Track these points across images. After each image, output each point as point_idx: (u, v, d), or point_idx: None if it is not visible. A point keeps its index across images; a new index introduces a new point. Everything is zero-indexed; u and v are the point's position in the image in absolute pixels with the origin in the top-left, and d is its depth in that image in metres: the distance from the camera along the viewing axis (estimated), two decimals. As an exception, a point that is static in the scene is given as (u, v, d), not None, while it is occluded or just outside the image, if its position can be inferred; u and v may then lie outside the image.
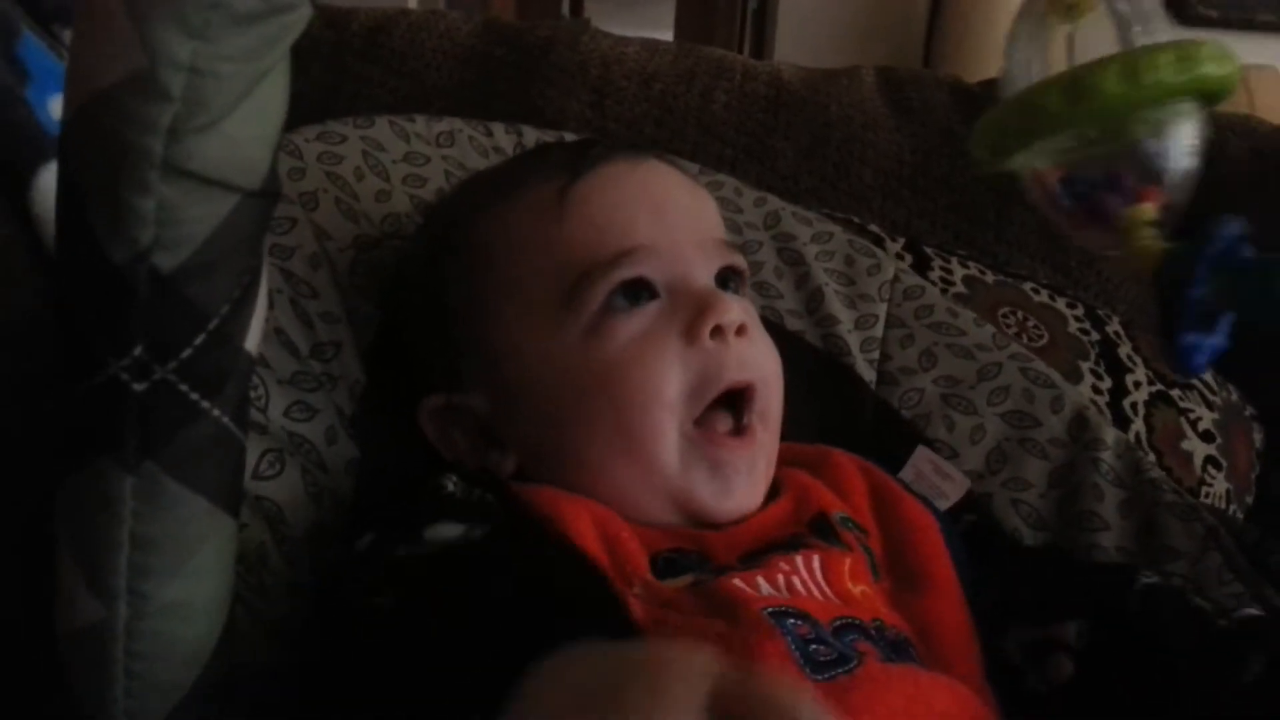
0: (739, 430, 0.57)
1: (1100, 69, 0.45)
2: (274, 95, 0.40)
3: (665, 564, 0.53)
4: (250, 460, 0.54)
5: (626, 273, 0.56)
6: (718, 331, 0.56)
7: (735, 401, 0.57)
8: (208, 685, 0.42)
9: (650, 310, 0.56)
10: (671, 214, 0.59)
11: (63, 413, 0.39)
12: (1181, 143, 0.48)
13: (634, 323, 0.56)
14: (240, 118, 0.37)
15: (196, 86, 0.36)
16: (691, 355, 0.56)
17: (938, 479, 0.67)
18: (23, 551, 0.46)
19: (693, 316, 0.56)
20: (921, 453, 0.69)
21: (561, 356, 0.56)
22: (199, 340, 0.39)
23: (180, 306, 0.38)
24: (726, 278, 0.60)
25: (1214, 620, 0.52)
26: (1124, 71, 0.45)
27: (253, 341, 0.42)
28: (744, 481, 0.57)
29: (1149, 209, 0.47)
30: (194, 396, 0.39)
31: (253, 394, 0.55)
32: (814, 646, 0.48)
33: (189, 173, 0.37)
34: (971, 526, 0.63)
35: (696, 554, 0.54)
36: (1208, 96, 0.48)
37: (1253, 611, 0.53)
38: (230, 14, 0.36)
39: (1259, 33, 2.35)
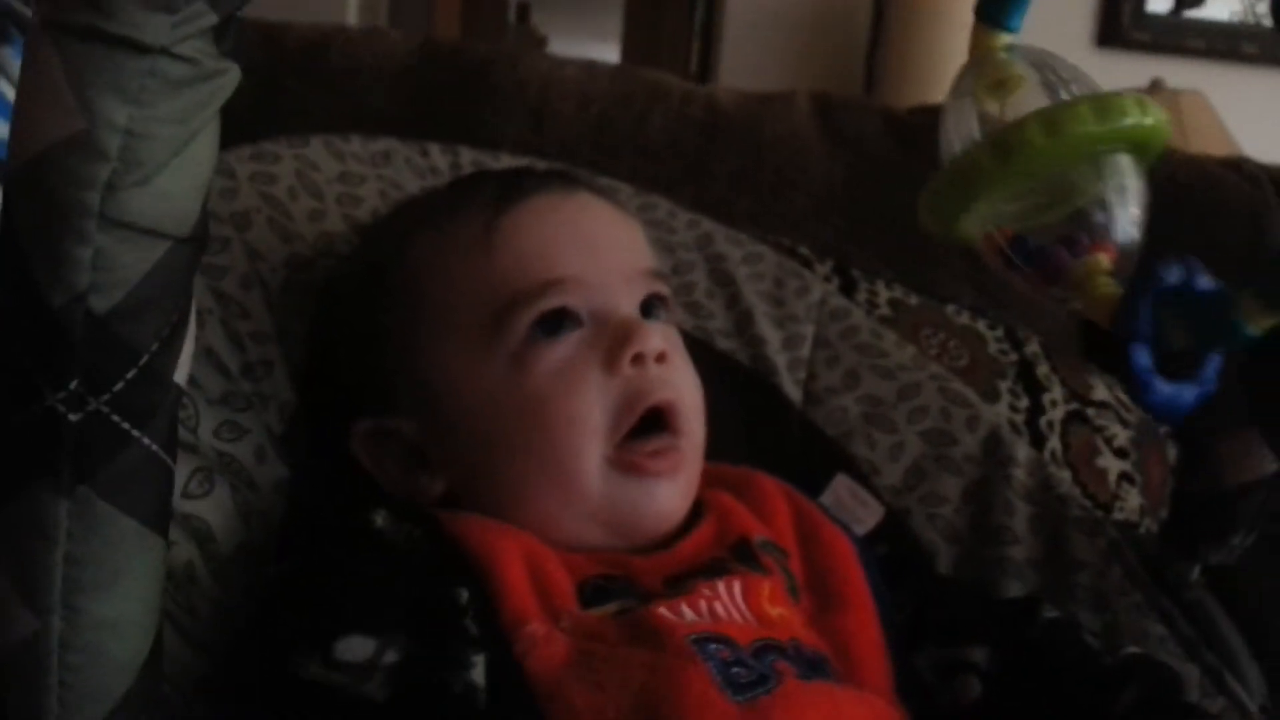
0: (663, 450, 0.59)
1: (1024, 125, 0.46)
2: (204, 151, 0.43)
3: (593, 591, 0.55)
4: (180, 479, 0.54)
5: (550, 303, 0.58)
6: (638, 359, 0.58)
7: (658, 424, 0.59)
8: (138, 696, 0.43)
9: (573, 339, 0.58)
10: (599, 246, 0.61)
11: None
12: (1121, 195, 0.48)
13: (556, 352, 0.57)
14: (172, 173, 0.41)
15: (132, 147, 0.40)
16: (612, 383, 0.57)
17: (855, 505, 0.70)
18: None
19: (613, 345, 0.58)
20: (841, 480, 0.72)
21: (488, 384, 0.58)
22: (130, 375, 0.41)
23: (113, 344, 0.41)
24: (651, 305, 0.62)
25: (1100, 656, 0.57)
26: (1046, 125, 0.45)
27: (181, 374, 0.44)
28: (668, 489, 0.59)
29: (1103, 259, 0.47)
30: (125, 426, 0.42)
31: (182, 414, 0.56)
32: (735, 670, 0.50)
33: (124, 224, 0.40)
34: (889, 554, 0.66)
35: (624, 579, 0.56)
36: (1139, 147, 0.48)
37: (1133, 650, 0.58)
38: (164, 81, 0.40)
39: (1188, 58, 2.43)
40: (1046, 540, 0.68)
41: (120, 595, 0.42)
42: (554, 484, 0.57)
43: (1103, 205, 0.48)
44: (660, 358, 0.59)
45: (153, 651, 0.44)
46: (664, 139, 1.02)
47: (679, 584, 0.56)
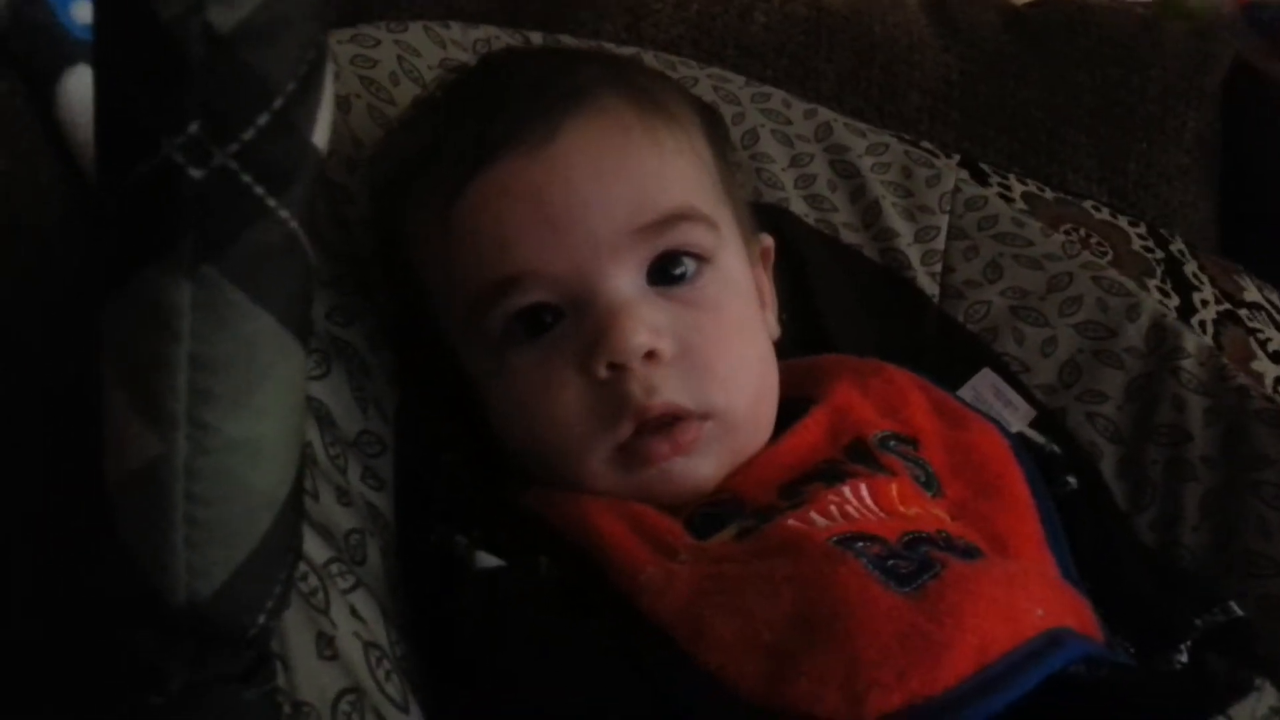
0: (675, 438, 0.52)
1: None
2: None
3: (702, 521, 0.50)
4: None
5: (515, 303, 0.51)
6: (616, 365, 0.50)
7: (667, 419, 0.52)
8: (279, 541, 0.36)
9: (550, 337, 0.52)
10: (570, 217, 0.51)
11: (104, 220, 0.33)
12: None
13: (533, 353, 0.52)
14: None
15: None
16: (593, 388, 0.51)
17: (999, 405, 0.63)
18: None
19: (585, 349, 0.51)
20: (985, 375, 0.65)
21: (483, 377, 0.54)
22: (262, 120, 0.32)
23: (240, 75, 0.32)
24: (666, 264, 0.52)
25: None
26: None
27: (321, 139, 0.35)
28: (687, 465, 0.52)
29: None
30: (258, 190, 0.32)
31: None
32: (891, 562, 0.45)
33: None
34: (1075, 492, 0.58)
35: (731, 501, 0.51)
36: None
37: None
38: None
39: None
40: (1224, 435, 0.62)
41: (257, 411, 0.34)
42: (569, 477, 0.52)
43: None
44: (650, 355, 0.50)
45: (294, 489, 0.36)
46: (767, 38, 0.96)
47: (795, 492, 0.50)
